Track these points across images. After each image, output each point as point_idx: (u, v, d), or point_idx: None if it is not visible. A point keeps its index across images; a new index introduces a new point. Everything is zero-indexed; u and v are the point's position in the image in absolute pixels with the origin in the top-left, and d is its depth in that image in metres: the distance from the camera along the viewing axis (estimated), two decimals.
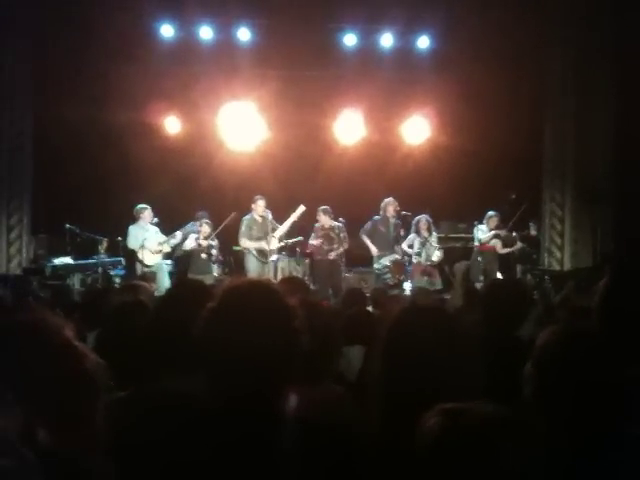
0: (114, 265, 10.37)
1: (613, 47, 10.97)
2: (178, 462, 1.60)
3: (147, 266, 9.85)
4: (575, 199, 11.42)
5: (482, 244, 10.42)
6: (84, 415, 1.37)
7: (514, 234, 10.60)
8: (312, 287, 8.93)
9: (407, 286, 10.03)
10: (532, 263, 11.22)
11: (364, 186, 11.03)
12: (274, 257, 10.12)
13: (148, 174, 10.73)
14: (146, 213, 10.07)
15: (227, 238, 10.45)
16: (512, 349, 2.61)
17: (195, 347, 1.67)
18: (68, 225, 10.26)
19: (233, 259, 10.98)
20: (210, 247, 10.10)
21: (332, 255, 10.11)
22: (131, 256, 10.12)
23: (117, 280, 9.99)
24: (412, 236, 10.35)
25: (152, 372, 2.11)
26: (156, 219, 10.10)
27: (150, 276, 9.15)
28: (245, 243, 10.08)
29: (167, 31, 11.57)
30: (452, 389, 1.63)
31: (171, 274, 10.23)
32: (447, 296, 8.98)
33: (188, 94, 11.19)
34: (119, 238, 10.28)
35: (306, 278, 9.99)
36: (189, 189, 11.06)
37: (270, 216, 10.06)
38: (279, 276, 9.74)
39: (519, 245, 10.57)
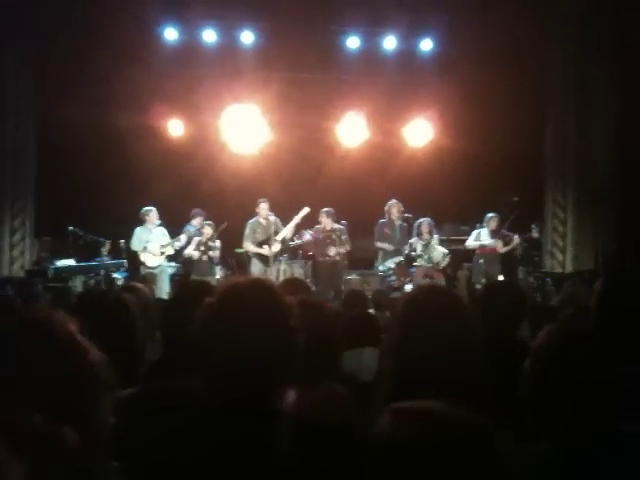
0: (117, 267, 10.36)
1: (613, 46, 10.97)
2: (177, 461, 1.61)
3: (149, 268, 9.88)
4: (577, 201, 11.42)
5: (482, 247, 10.37)
6: (87, 412, 1.39)
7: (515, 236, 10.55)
8: (313, 289, 8.94)
9: (409, 288, 10.01)
10: (534, 265, 11.20)
11: (367, 188, 11.04)
12: (278, 259, 10.15)
13: (151, 177, 10.71)
14: (152, 215, 10.11)
15: (229, 240, 10.46)
16: (511, 350, 2.61)
17: (194, 346, 1.68)
18: (71, 227, 10.25)
19: (235, 261, 10.98)
20: (209, 249, 10.07)
21: (332, 251, 10.12)
22: (134, 258, 10.15)
23: (120, 282, 9.99)
24: (414, 239, 10.34)
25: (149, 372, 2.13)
26: (159, 222, 10.14)
27: (150, 278, 9.18)
28: (249, 247, 10.12)
29: (171, 34, 11.62)
30: (458, 370, 1.78)
31: (173, 277, 10.24)
32: None
33: (191, 97, 11.21)
34: (122, 240, 10.28)
35: (308, 280, 9.98)
36: (192, 192, 11.04)
37: (273, 219, 10.09)
38: (281, 278, 9.74)
39: (517, 240, 10.33)
